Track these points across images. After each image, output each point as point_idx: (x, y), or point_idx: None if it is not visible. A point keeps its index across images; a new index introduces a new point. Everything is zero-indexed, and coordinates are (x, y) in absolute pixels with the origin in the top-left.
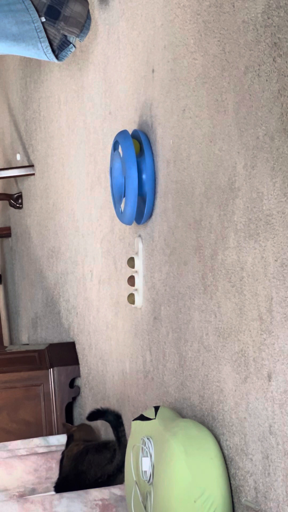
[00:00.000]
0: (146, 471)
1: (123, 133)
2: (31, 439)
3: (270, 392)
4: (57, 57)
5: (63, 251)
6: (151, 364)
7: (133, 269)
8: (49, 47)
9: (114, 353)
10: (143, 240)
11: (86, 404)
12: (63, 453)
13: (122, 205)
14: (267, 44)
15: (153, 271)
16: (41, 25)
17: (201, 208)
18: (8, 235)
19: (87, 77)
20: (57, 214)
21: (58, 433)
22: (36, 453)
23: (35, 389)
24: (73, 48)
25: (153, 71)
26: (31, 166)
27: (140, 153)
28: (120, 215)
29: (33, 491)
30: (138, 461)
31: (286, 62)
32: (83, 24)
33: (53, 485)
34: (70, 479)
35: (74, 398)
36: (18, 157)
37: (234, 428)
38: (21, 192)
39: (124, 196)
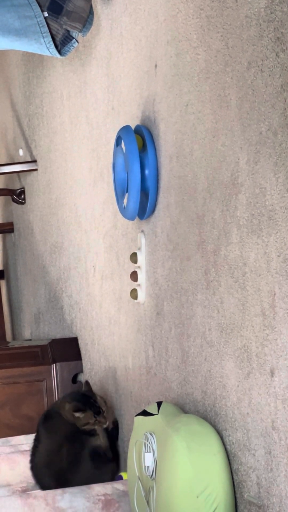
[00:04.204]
0: (148, 467)
1: (126, 128)
2: (33, 434)
3: (273, 388)
4: (59, 52)
5: (65, 246)
6: (153, 360)
7: (135, 265)
8: (51, 42)
9: (117, 348)
10: (145, 235)
11: None
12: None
13: (125, 201)
14: (270, 39)
15: (156, 266)
16: (43, 20)
17: (204, 204)
18: (11, 230)
19: (90, 73)
20: (60, 210)
21: None
22: None
23: (37, 384)
24: (76, 43)
25: (156, 66)
26: (34, 161)
27: (143, 149)
28: (123, 210)
29: (35, 486)
30: (141, 456)
31: None
32: (86, 19)
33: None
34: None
35: None
36: (21, 152)
37: (237, 424)
38: (23, 188)
39: (126, 192)
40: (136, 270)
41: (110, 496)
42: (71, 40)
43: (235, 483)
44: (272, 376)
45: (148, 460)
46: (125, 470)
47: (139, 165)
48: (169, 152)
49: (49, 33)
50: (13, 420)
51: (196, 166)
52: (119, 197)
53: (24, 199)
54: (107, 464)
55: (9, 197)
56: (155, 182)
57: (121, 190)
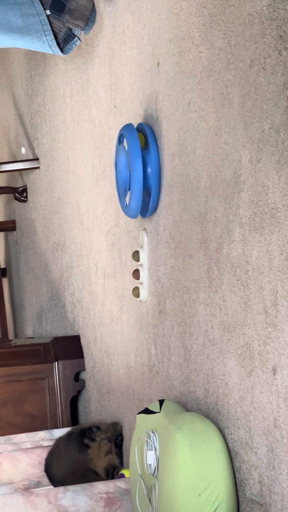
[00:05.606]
0: (150, 465)
1: (128, 126)
2: (36, 432)
3: (275, 386)
4: (62, 50)
5: (68, 244)
6: (156, 358)
7: (138, 263)
8: (54, 40)
9: (119, 346)
10: (148, 233)
11: (91, 397)
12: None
13: (127, 199)
14: (273, 37)
15: (158, 264)
16: (46, 18)
17: (206, 202)
18: (13, 228)
19: (92, 71)
20: (62, 208)
21: (62, 427)
22: (41, 446)
23: (40, 382)
24: (78, 41)
25: (158, 64)
26: (36, 159)
27: (145, 147)
28: (125, 208)
29: (38, 484)
30: (143, 454)
31: None
32: (88, 17)
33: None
34: None
35: (79, 392)
36: (23, 150)
37: (239, 422)
38: (26, 186)
39: (129, 190)
40: (138, 268)
41: (112, 494)
42: (73, 38)
43: (237, 481)
44: (274, 374)
45: (150, 458)
46: (127, 468)
47: (141, 163)
48: (172, 150)
49: (51, 31)
50: (16, 418)
51: (198, 164)
52: (122, 195)
53: (26, 197)
54: None
55: (12, 195)
56: (158, 180)
57: (123, 188)
